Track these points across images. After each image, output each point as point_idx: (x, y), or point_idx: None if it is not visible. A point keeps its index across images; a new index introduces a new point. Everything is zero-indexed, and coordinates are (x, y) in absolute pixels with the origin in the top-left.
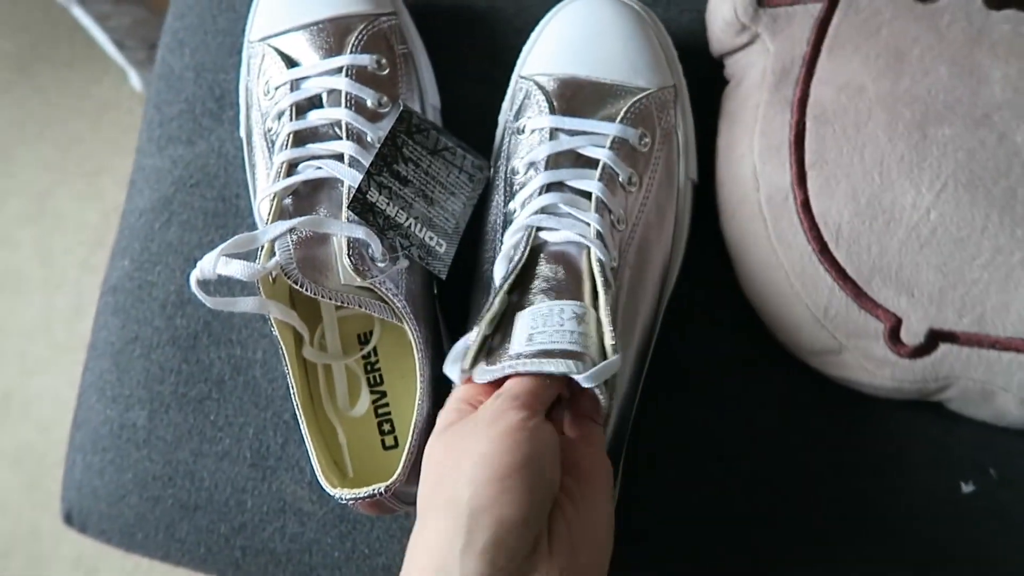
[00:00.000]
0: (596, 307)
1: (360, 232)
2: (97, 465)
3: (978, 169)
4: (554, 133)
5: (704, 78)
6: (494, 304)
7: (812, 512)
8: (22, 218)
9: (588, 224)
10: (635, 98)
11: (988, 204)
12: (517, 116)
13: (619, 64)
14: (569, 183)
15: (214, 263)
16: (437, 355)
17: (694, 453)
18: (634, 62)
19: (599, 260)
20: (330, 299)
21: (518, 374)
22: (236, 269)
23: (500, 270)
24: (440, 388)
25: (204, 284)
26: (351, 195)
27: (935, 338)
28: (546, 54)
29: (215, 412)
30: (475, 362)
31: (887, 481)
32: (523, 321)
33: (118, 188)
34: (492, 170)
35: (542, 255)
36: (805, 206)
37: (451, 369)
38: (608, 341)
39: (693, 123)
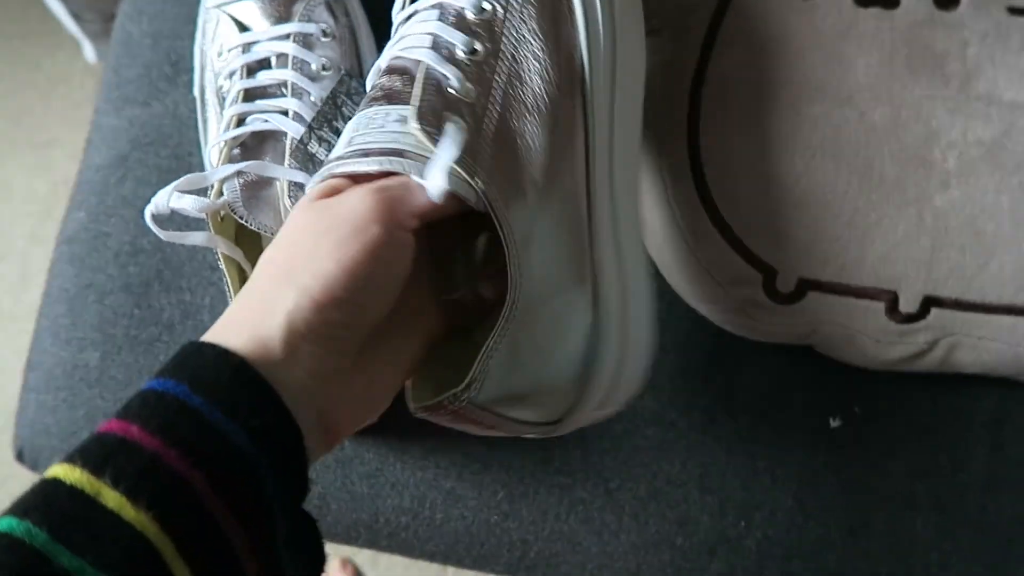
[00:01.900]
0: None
1: (300, 177)
2: (50, 403)
3: (842, 142)
4: None
5: None
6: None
7: (703, 447)
8: None
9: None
10: None
11: (849, 172)
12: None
13: None
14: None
15: (168, 197)
16: None
17: None
18: None
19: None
20: (272, 235)
21: (333, 175)
22: (188, 203)
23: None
24: None
25: (158, 219)
26: (293, 146)
27: (804, 286)
28: None
29: (165, 353)
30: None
31: (769, 417)
32: (347, 127)
33: (68, 160)
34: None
35: (384, 68)
36: (699, 171)
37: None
38: (426, 143)
39: None
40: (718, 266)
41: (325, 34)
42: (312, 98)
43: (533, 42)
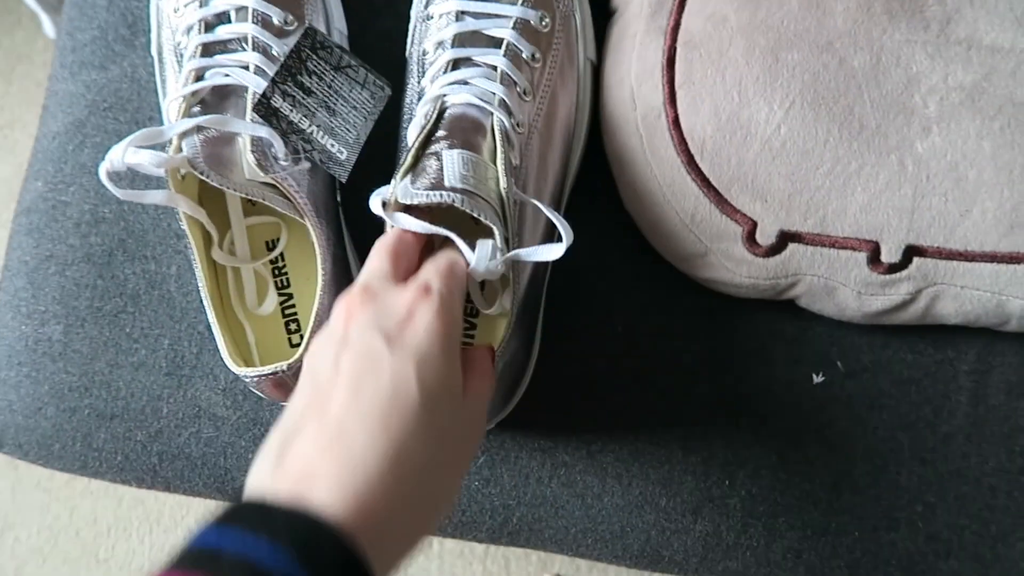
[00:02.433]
0: (495, 162)
1: (263, 132)
2: (13, 380)
3: (821, 89)
4: (460, 15)
5: None
6: (406, 160)
7: (686, 407)
8: None
9: (493, 94)
10: None
11: (830, 120)
12: (426, 5)
13: None
14: (476, 58)
15: (123, 153)
16: (339, 255)
17: (578, 356)
18: None
19: (501, 121)
20: (235, 191)
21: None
22: (145, 157)
23: (412, 136)
24: (340, 286)
25: (114, 176)
26: (256, 100)
27: (784, 239)
28: None
29: (131, 325)
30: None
31: (751, 375)
32: (450, 158)
33: (31, 141)
34: (407, 55)
35: (448, 117)
36: (675, 123)
37: (375, 202)
38: (503, 186)
39: (590, 8)
40: (697, 220)
41: None
42: (275, 51)
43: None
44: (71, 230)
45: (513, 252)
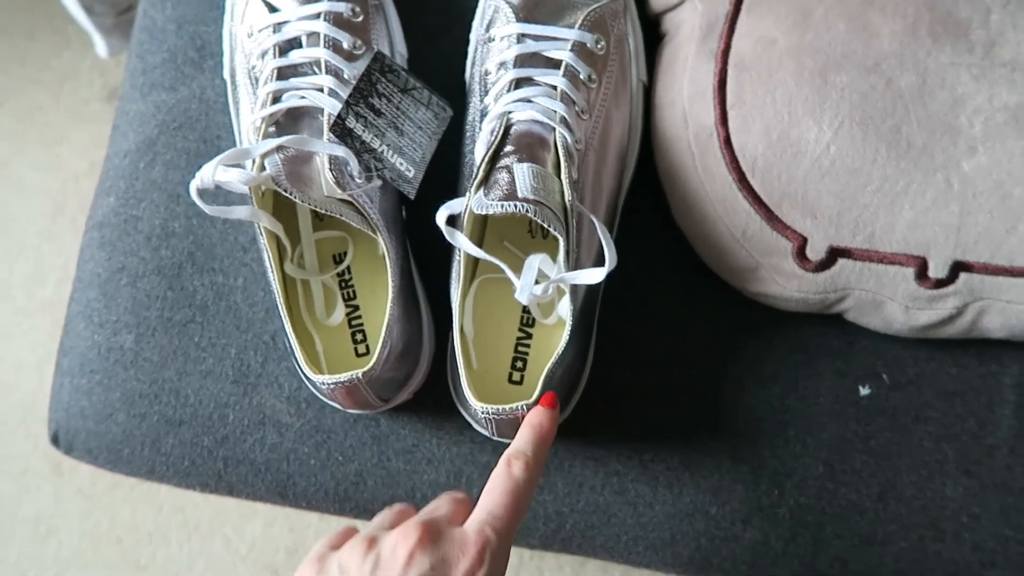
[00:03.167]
0: (559, 176)
1: (340, 151)
2: (85, 387)
3: (869, 109)
4: (520, 38)
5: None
6: (478, 174)
7: (735, 417)
8: None
9: (555, 111)
10: (590, 7)
11: (877, 139)
12: (487, 28)
13: None
14: (537, 78)
15: (213, 171)
16: (405, 268)
17: (630, 366)
18: None
19: (563, 137)
20: (315, 207)
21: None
22: (233, 176)
23: (480, 152)
24: (406, 297)
25: (202, 193)
26: (331, 121)
27: (834, 254)
28: None
29: (199, 334)
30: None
31: (799, 388)
32: (527, 171)
33: (77, 157)
34: (468, 76)
35: (515, 133)
36: (727, 142)
37: (441, 215)
38: (567, 198)
39: (642, 32)
40: (748, 236)
41: (355, 13)
42: (346, 75)
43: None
44: (142, 243)
45: (557, 277)
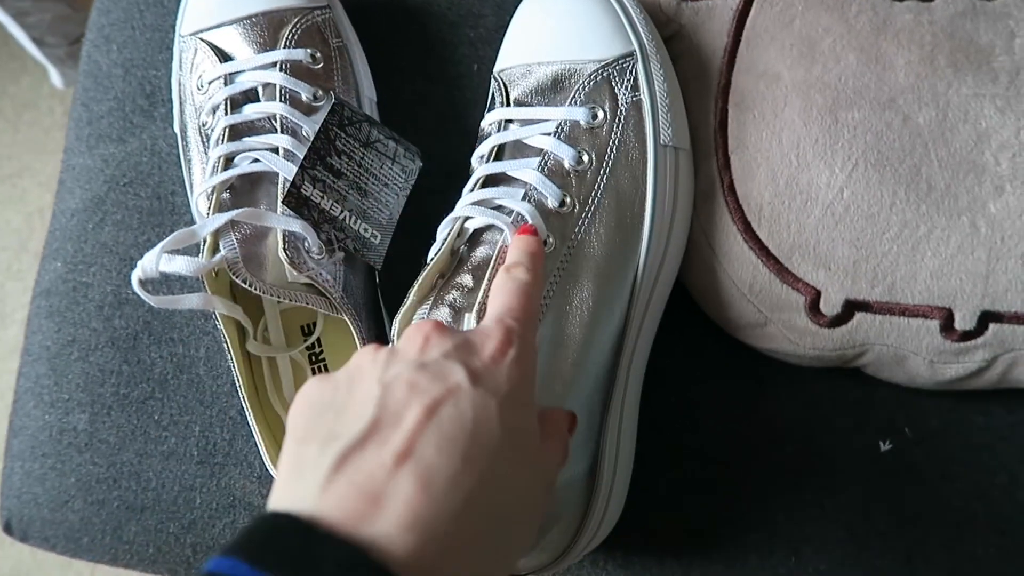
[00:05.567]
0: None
1: (296, 225)
2: (37, 472)
3: (885, 149)
4: (505, 124)
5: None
6: (416, 284)
7: (746, 477)
8: None
9: (512, 211)
10: (588, 74)
11: (895, 182)
12: (485, 115)
13: (569, 42)
14: (510, 173)
15: (156, 260)
16: (380, 342)
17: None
18: (584, 37)
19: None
20: (272, 295)
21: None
22: (180, 265)
23: (432, 250)
24: None
25: (146, 283)
26: (286, 190)
27: (851, 308)
28: (506, 48)
29: (159, 412)
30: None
31: (814, 444)
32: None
33: (41, 189)
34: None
35: (466, 243)
36: (730, 189)
37: (394, 327)
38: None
39: (666, 84)
40: (756, 290)
41: (315, 59)
42: (304, 131)
43: (599, 238)
44: (93, 313)
45: None
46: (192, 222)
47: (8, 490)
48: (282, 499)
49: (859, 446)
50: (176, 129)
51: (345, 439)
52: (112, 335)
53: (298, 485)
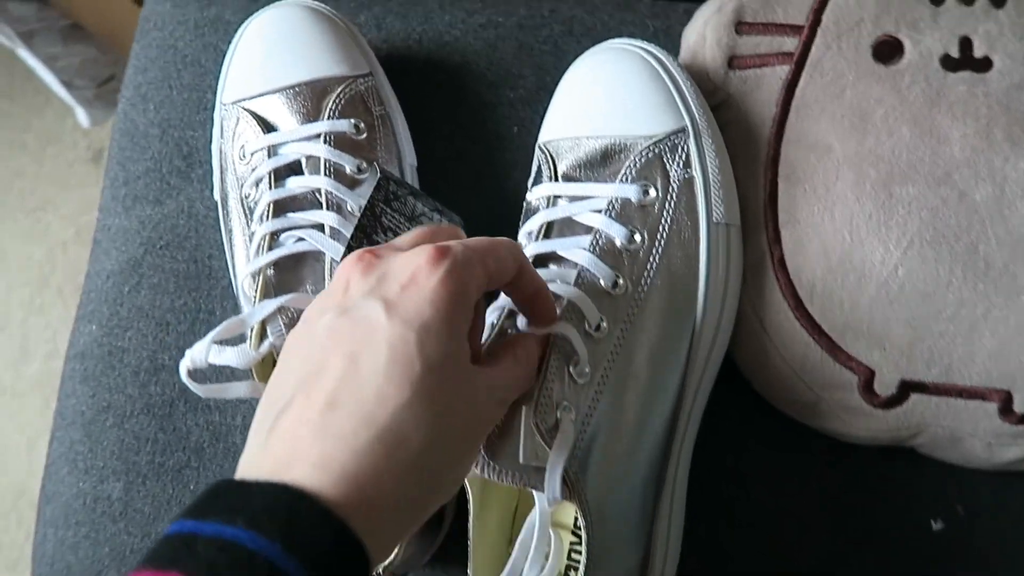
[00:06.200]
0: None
1: None
2: (70, 540)
3: (941, 226)
4: (554, 200)
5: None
6: None
7: (798, 556)
8: None
9: (562, 298)
10: (639, 149)
11: (952, 260)
12: (532, 187)
13: (619, 116)
14: (560, 252)
15: (206, 352)
16: None
17: (688, 508)
18: (635, 110)
19: (561, 336)
20: None
21: None
22: (230, 357)
23: (483, 339)
24: None
25: (195, 374)
26: (333, 269)
27: (906, 389)
28: (552, 119)
29: (195, 481)
30: None
31: (864, 523)
32: None
33: (64, 223)
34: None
35: (511, 331)
36: (781, 264)
37: None
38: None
39: (718, 159)
40: (807, 369)
41: (358, 129)
42: (350, 207)
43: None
44: (129, 379)
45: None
46: (229, 287)
47: (41, 557)
48: (240, 466)
49: (911, 525)
50: (217, 197)
51: (281, 402)
52: (148, 402)
53: (247, 456)
